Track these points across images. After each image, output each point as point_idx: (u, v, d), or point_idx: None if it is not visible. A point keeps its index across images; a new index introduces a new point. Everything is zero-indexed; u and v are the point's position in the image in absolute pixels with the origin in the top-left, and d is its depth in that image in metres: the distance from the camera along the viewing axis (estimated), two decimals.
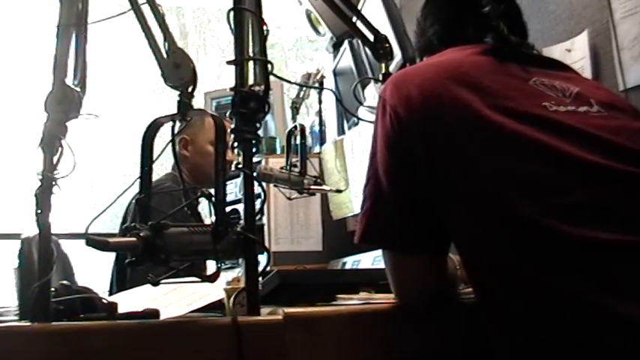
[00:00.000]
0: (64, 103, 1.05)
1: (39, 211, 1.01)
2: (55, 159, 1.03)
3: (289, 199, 1.63)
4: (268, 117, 2.69)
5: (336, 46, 2.88)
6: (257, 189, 1.03)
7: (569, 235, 0.84)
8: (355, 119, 2.12)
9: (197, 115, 1.68)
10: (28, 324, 0.97)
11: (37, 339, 0.90)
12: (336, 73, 2.87)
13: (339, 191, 1.89)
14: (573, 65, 1.20)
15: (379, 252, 1.24)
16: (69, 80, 1.08)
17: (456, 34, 1.16)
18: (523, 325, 0.88)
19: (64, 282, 1.09)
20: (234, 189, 2.34)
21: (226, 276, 1.77)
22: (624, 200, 0.88)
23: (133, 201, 2.10)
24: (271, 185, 1.62)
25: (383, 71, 1.60)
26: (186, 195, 1.22)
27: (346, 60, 2.66)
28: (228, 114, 1.04)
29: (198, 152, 2.39)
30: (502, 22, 1.12)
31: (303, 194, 1.58)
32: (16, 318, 1.34)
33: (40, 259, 1.01)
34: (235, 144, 1.03)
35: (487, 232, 0.91)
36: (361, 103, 1.91)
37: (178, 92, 1.03)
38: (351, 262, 2.05)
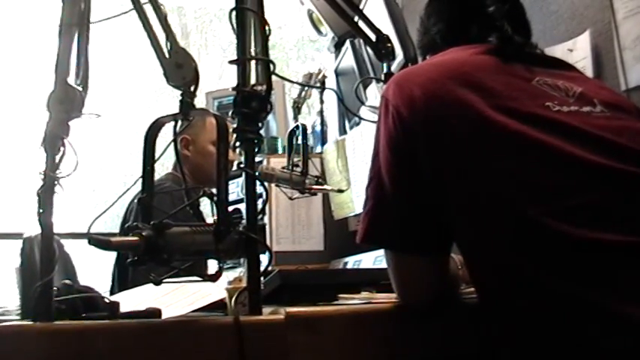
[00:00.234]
0: (66, 102, 1.05)
1: (41, 211, 1.01)
2: (57, 158, 1.03)
3: (291, 198, 1.63)
4: (270, 117, 2.70)
5: (338, 46, 2.88)
6: (259, 189, 1.03)
7: (571, 235, 0.84)
8: (357, 119, 2.12)
9: (199, 115, 1.68)
10: (30, 323, 0.97)
11: (39, 338, 0.90)
12: (337, 73, 2.87)
13: (340, 191, 1.89)
14: (575, 65, 1.19)
15: (381, 252, 1.24)
16: (71, 80, 1.09)
17: (460, 34, 1.16)
18: (524, 325, 0.88)
19: (66, 281, 1.09)
20: (235, 189, 2.34)
21: (228, 276, 1.77)
22: (626, 201, 0.88)
23: (135, 200, 2.11)
24: (273, 185, 1.63)
25: (385, 71, 1.60)
26: (189, 195, 1.22)
27: (348, 60, 2.66)
28: (230, 114, 1.04)
29: (199, 152, 2.39)
30: (506, 21, 1.12)
31: (305, 194, 1.58)
32: (18, 317, 1.34)
33: (42, 259, 1.01)
34: (237, 144, 1.03)
35: (489, 233, 0.91)
36: (363, 103, 1.91)
37: (180, 92, 1.03)
38: (352, 262, 2.05)
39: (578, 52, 1.61)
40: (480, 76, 0.99)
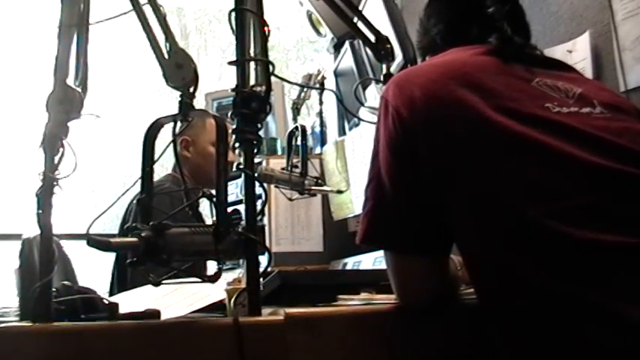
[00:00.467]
0: (66, 103, 1.05)
1: (40, 212, 1.01)
2: (56, 159, 1.03)
3: (290, 199, 1.63)
4: (269, 118, 2.70)
5: (337, 47, 2.88)
6: (258, 190, 1.03)
7: (570, 236, 0.84)
8: (356, 120, 2.12)
9: (199, 116, 1.68)
10: (30, 324, 0.97)
11: (38, 339, 0.90)
12: (337, 74, 2.87)
13: (340, 192, 1.89)
14: (574, 66, 1.19)
15: (380, 253, 1.24)
16: (70, 80, 1.09)
17: (460, 34, 1.16)
18: (524, 326, 0.88)
19: (66, 282, 1.09)
20: (235, 189, 2.34)
21: (227, 277, 1.76)
22: (626, 202, 0.88)
23: (134, 201, 2.10)
24: (272, 186, 1.63)
25: (384, 72, 1.60)
26: (188, 195, 1.22)
27: (347, 61, 2.66)
28: (229, 115, 1.04)
29: (199, 153, 2.39)
30: (506, 22, 1.12)
31: (304, 195, 1.58)
32: (17, 318, 1.34)
33: (42, 260, 1.01)
34: (237, 144, 1.03)
35: (489, 233, 0.91)
36: (362, 104, 1.91)
37: (180, 93, 1.03)
38: (352, 262, 2.05)
39: (577, 53, 1.61)
40: (480, 77, 0.99)
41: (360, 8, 1.91)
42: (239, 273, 1.79)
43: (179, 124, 1.04)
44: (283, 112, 2.95)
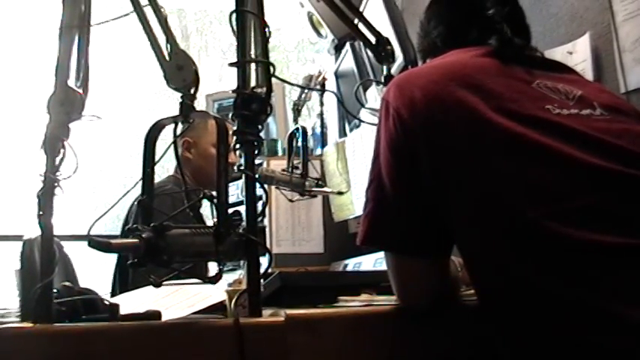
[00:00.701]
0: (67, 104, 1.06)
1: (41, 213, 1.01)
2: (57, 160, 1.03)
3: (291, 201, 1.64)
4: (270, 119, 2.70)
5: (338, 49, 2.88)
6: (259, 191, 1.03)
7: (570, 237, 0.84)
8: (357, 121, 2.12)
9: (200, 118, 1.68)
10: (30, 325, 0.97)
11: (39, 340, 0.90)
12: (337, 75, 2.87)
13: (340, 193, 1.90)
14: (575, 68, 1.19)
15: (381, 254, 1.24)
16: (71, 82, 1.09)
17: (460, 36, 1.16)
18: (524, 327, 0.88)
19: (66, 283, 1.09)
20: (235, 191, 2.34)
21: (228, 278, 1.77)
22: (626, 203, 0.88)
23: (135, 203, 2.11)
24: (273, 187, 1.63)
25: (385, 73, 1.60)
26: (189, 197, 1.22)
27: (348, 62, 2.66)
28: (230, 116, 1.04)
29: (201, 155, 2.39)
30: (506, 24, 1.12)
31: (305, 196, 1.58)
32: (18, 319, 1.34)
33: (42, 261, 1.01)
34: (237, 146, 1.03)
35: (489, 235, 0.91)
36: (363, 105, 1.91)
37: (180, 94, 1.03)
38: (352, 264, 2.05)
39: (577, 54, 1.61)
40: (481, 78, 0.99)
41: (361, 9, 1.91)
42: (240, 274, 1.79)
43: (180, 125, 1.04)
44: (284, 114, 2.96)
